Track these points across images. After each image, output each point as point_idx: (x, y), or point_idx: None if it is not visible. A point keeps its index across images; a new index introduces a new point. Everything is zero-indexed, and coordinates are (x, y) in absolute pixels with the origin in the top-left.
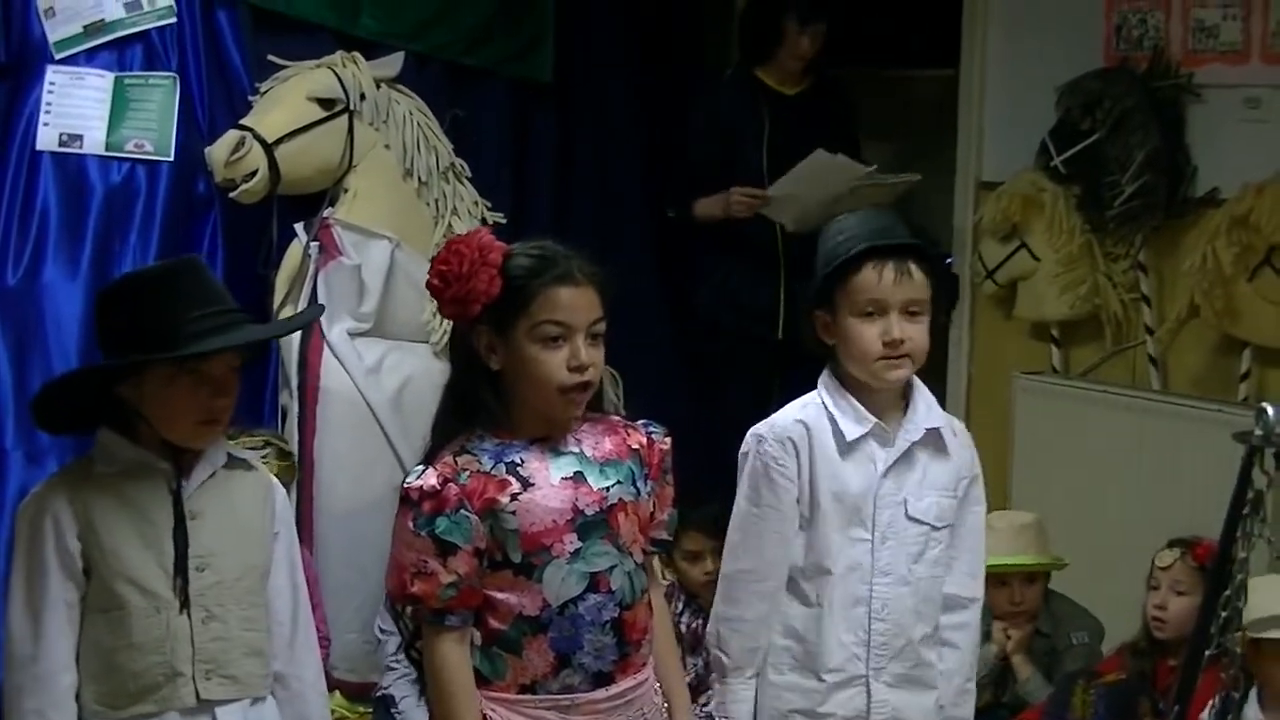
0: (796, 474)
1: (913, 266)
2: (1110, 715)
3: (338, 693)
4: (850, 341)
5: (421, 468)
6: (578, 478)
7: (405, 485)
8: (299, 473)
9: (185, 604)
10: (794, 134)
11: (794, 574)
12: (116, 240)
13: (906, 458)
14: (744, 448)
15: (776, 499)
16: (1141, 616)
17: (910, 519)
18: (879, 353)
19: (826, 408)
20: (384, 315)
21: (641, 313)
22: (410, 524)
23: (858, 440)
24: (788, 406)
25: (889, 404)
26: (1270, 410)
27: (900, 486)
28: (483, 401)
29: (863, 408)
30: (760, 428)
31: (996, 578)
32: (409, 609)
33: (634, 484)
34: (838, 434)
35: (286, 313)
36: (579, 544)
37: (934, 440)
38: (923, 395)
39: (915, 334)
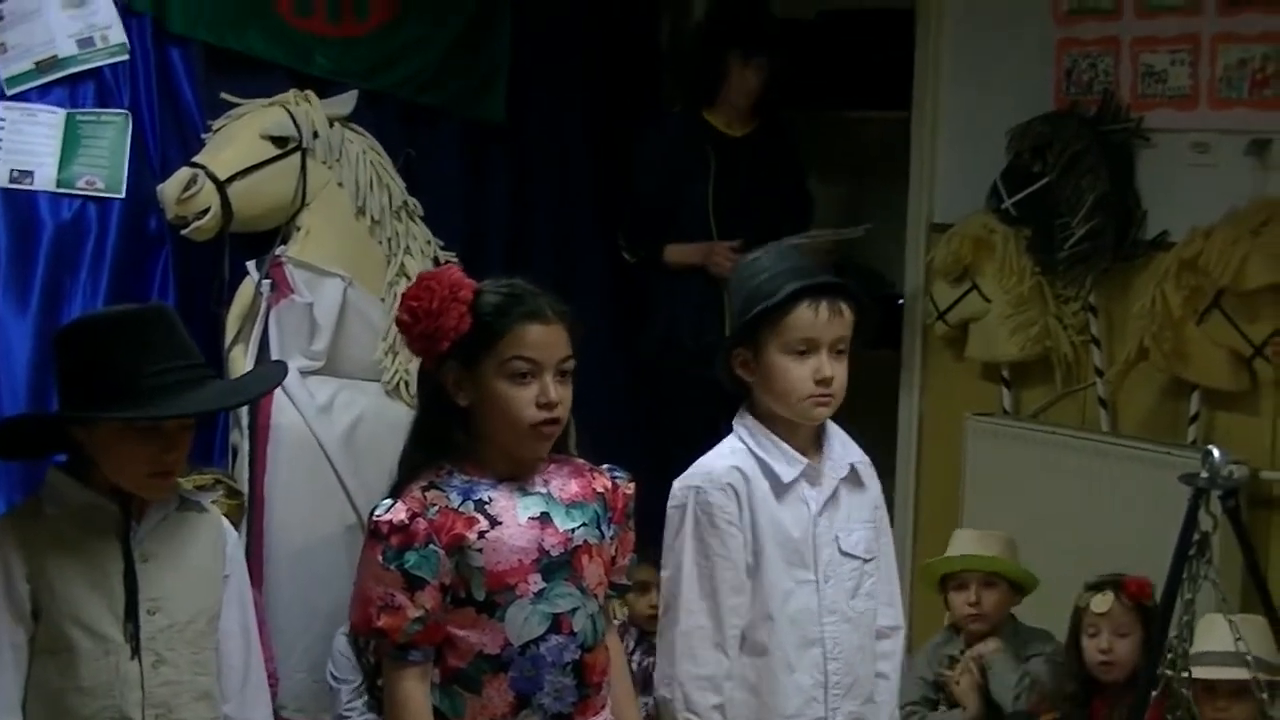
0: (739, 521)
1: (843, 305)
2: None
3: None
4: (778, 379)
5: (390, 501)
6: (544, 518)
7: (374, 518)
8: (249, 511)
9: (136, 648)
10: (740, 176)
11: (744, 628)
12: (67, 277)
13: (832, 495)
14: (675, 501)
15: (726, 548)
16: (1072, 662)
17: (844, 555)
18: (810, 391)
19: (753, 452)
20: (336, 354)
21: (593, 352)
22: (379, 557)
23: (792, 482)
24: (711, 454)
25: (808, 443)
26: (1216, 453)
27: (831, 524)
28: (451, 438)
29: (790, 448)
30: (693, 479)
31: (957, 581)
32: (371, 644)
33: (599, 527)
34: (771, 477)
35: (238, 351)
36: (543, 584)
37: (852, 474)
38: (835, 431)
39: (841, 372)
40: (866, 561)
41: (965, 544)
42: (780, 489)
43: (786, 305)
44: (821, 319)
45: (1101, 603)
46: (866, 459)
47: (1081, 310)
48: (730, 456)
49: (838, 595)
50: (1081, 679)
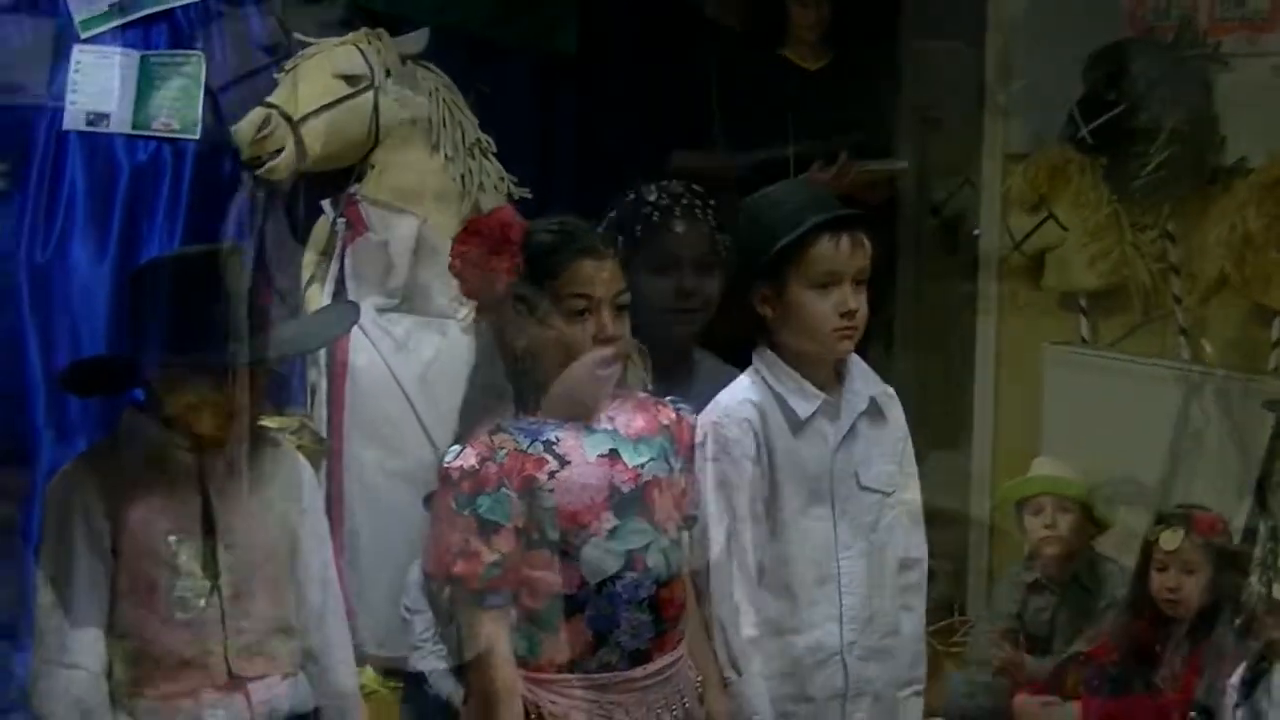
0: (756, 456)
1: (863, 237)
2: (1102, 690)
3: (368, 668)
4: (803, 313)
5: (458, 448)
6: (613, 455)
7: (445, 465)
8: (328, 449)
9: (214, 582)
10: (818, 108)
11: (763, 562)
12: (144, 219)
13: (851, 428)
14: (698, 438)
15: (744, 481)
16: (1135, 596)
17: (864, 489)
18: (835, 324)
19: (771, 388)
20: (411, 291)
21: None
22: (452, 503)
23: (810, 417)
24: (730, 389)
25: (827, 377)
26: None
27: (850, 458)
28: (512, 380)
29: (808, 384)
30: (712, 414)
31: (1034, 506)
32: (447, 590)
33: (666, 460)
34: (789, 413)
35: (314, 290)
36: (615, 522)
37: (873, 407)
38: (856, 363)
39: (863, 304)
40: (888, 495)
41: (1041, 469)
42: (797, 425)
43: (808, 239)
44: (844, 251)
45: (1171, 539)
46: (890, 390)
47: (1160, 238)
48: (748, 391)
49: (855, 530)
50: (1146, 615)
